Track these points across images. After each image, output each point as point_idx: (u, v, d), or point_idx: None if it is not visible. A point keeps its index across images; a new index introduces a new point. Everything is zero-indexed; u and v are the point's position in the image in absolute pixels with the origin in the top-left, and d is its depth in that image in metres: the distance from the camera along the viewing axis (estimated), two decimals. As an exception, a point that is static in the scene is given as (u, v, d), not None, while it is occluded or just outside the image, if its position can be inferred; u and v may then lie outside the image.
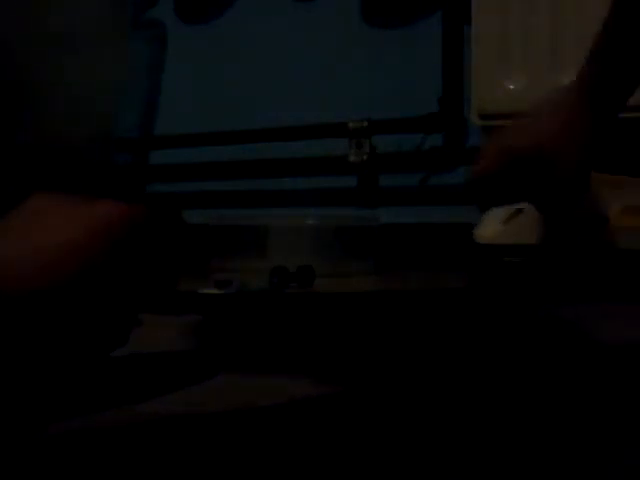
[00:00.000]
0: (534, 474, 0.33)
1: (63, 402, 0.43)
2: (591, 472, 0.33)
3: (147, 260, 0.42)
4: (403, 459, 0.34)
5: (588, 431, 0.39)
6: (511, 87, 1.27)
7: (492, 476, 0.33)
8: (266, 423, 0.40)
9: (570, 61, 1.08)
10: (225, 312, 0.82)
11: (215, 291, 0.88)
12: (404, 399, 0.45)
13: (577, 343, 0.64)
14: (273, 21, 1.66)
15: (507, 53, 1.28)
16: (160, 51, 1.82)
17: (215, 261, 1.28)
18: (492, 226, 0.94)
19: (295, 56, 1.63)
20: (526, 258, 0.90)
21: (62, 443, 0.36)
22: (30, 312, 0.37)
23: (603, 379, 0.50)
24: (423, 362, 0.56)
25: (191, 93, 1.77)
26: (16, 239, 0.38)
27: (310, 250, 1.24)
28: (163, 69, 1.83)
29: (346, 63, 1.58)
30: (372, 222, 1.36)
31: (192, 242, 0.45)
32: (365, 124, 1.50)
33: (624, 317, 0.76)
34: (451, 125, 1.45)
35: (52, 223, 0.39)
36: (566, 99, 0.78)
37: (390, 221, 1.43)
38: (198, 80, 1.77)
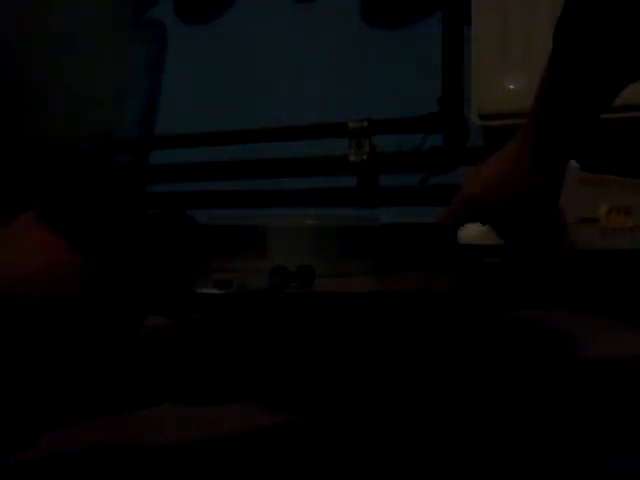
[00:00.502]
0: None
1: (61, 407, 0.43)
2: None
3: (156, 265, 0.42)
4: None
5: (574, 433, 0.39)
6: (511, 87, 1.27)
7: None
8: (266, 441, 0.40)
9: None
10: (224, 312, 0.82)
11: (215, 291, 0.88)
12: (401, 416, 0.45)
13: (557, 349, 0.64)
14: (273, 21, 1.66)
15: (507, 53, 1.28)
16: (160, 51, 1.82)
17: (215, 261, 1.27)
18: (474, 227, 0.94)
19: (295, 56, 1.63)
20: (506, 259, 0.91)
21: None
22: (36, 319, 0.37)
23: (587, 385, 0.50)
24: (419, 367, 0.56)
25: (191, 93, 1.77)
26: (23, 244, 0.38)
27: (310, 250, 1.23)
28: (163, 69, 1.83)
29: (346, 63, 1.58)
30: (372, 222, 1.36)
31: (203, 244, 0.45)
32: (365, 124, 1.50)
33: (609, 327, 0.76)
34: (451, 125, 1.45)
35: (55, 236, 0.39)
36: (509, 149, 0.82)
37: (390, 221, 1.43)
38: (198, 80, 1.77)
